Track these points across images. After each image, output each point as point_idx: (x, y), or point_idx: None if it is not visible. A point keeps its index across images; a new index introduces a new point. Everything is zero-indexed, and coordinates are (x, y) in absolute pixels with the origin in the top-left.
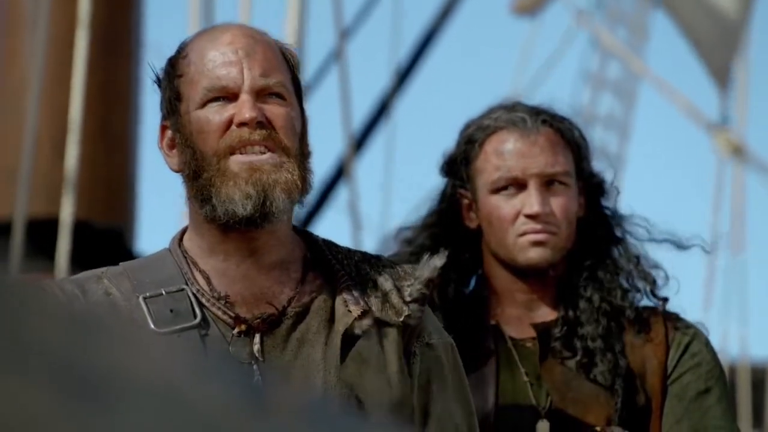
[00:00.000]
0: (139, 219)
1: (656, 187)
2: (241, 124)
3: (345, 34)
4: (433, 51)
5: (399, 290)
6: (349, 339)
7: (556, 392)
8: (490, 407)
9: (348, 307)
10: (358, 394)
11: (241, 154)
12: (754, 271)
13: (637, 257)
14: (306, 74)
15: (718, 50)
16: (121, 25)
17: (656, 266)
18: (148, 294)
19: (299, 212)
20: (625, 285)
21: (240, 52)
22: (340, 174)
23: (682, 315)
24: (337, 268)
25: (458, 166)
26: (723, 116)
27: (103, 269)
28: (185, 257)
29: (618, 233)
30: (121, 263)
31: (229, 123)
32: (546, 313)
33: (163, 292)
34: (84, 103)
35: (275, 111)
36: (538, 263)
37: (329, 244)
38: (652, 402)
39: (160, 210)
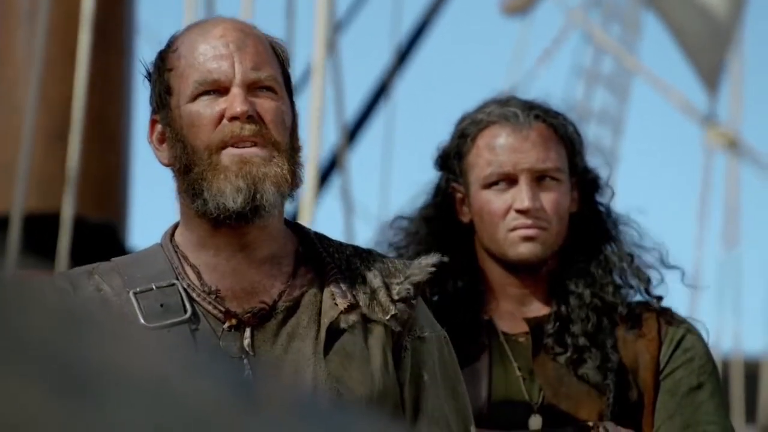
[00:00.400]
0: (132, 214)
1: (650, 181)
2: (233, 118)
3: (338, 25)
4: (429, 40)
5: (388, 288)
6: (335, 332)
7: (548, 387)
8: (483, 402)
9: (335, 300)
10: (340, 388)
11: (232, 147)
12: (747, 265)
13: (631, 255)
14: (299, 66)
15: (707, 52)
16: (115, 20)
17: (650, 266)
18: (138, 289)
19: (291, 204)
20: (618, 281)
21: (231, 46)
22: (333, 163)
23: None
24: (327, 261)
25: (452, 160)
26: (711, 114)
27: (94, 265)
28: (176, 252)
29: (611, 230)
30: (112, 259)
31: (221, 117)
32: (539, 308)
33: (154, 287)
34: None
35: (266, 105)
36: (528, 258)
37: (321, 238)
38: (645, 397)
39: (154, 206)
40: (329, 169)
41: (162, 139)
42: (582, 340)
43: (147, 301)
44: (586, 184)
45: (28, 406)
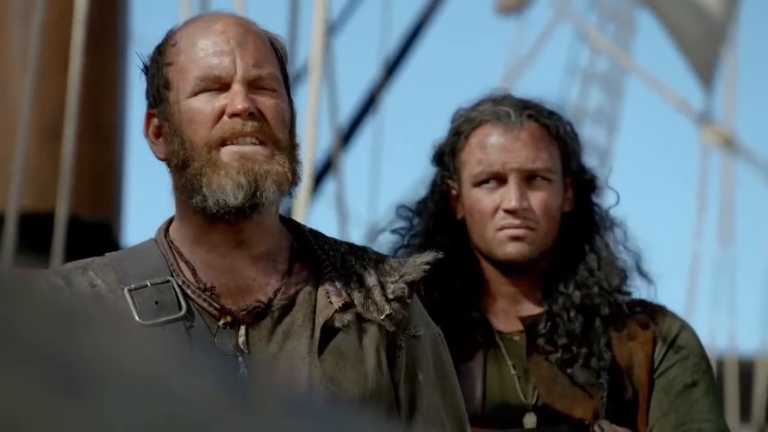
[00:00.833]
0: (126, 212)
1: (645, 179)
2: (233, 115)
3: (331, 29)
4: (421, 44)
5: (382, 287)
6: (329, 331)
7: (543, 386)
8: (478, 401)
9: (330, 299)
10: (335, 388)
11: (232, 144)
12: (743, 263)
13: (614, 257)
14: (295, 67)
15: (703, 49)
16: (108, 18)
17: (625, 270)
18: (133, 286)
19: (287, 202)
20: (603, 283)
21: (232, 42)
22: (327, 167)
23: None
24: (322, 258)
25: (446, 157)
26: (707, 111)
27: (88, 260)
28: (171, 248)
29: (603, 231)
30: (106, 254)
31: (221, 113)
32: (532, 307)
33: (148, 284)
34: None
35: (267, 103)
36: (515, 258)
37: (316, 234)
38: (640, 395)
39: (148, 204)
40: (322, 172)
41: (158, 134)
42: (568, 340)
43: (142, 298)
44: (582, 184)
45: (24, 403)
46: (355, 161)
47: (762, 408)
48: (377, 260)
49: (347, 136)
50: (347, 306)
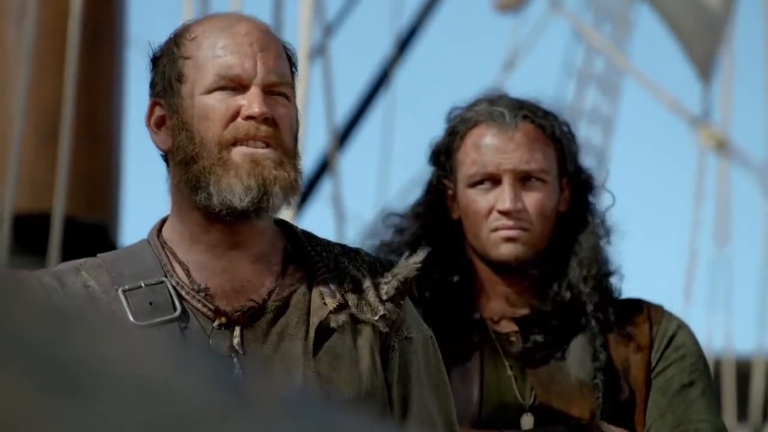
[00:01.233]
0: (123, 214)
1: (640, 181)
2: (249, 117)
3: (329, 29)
4: (418, 43)
5: (376, 287)
6: (324, 332)
7: (540, 386)
8: (475, 401)
9: (324, 300)
10: (329, 388)
11: (243, 146)
12: (739, 264)
13: (603, 257)
14: None
15: (702, 41)
16: (104, 19)
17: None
18: (127, 287)
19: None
20: (595, 283)
21: (255, 46)
22: (324, 167)
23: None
24: (316, 260)
25: (442, 157)
26: (705, 109)
27: (81, 261)
28: (164, 248)
29: (596, 232)
30: (99, 255)
31: (236, 114)
32: (528, 307)
33: (143, 285)
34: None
35: (281, 111)
36: (508, 259)
37: (309, 236)
38: (637, 395)
39: (145, 205)
40: (319, 172)
41: (160, 124)
42: (562, 341)
43: (136, 298)
44: (578, 185)
45: (18, 404)
46: (351, 161)
47: (759, 408)
48: (370, 262)
49: (344, 136)
50: (341, 307)
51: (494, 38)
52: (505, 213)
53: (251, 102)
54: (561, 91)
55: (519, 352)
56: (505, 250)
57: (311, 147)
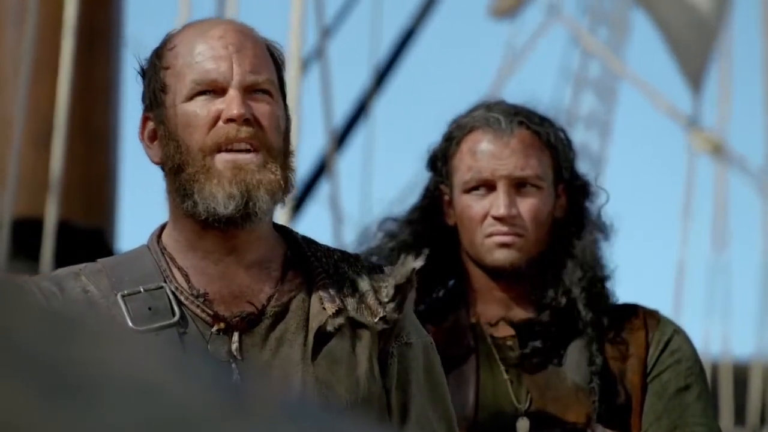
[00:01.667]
0: (120, 218)
1: (637, 184)
2: (229, 120)
3: (326, 31)
4: (413, 48)
5: (376, 291)
6: (323, 337)
7: (535, 390)
8: (471, 405)
9: (323, 305)
10: (328, 393)
11: (226, 152)
12: (736, 269)
13: (598, 262)
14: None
15: (693, 52)
16: (101, 22)
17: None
18: (126, 292)
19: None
20: (591, 288)
21: (230, 47)
22: (321, 169)
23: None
24: (315, 266)
25: (439, 162)
26: (695, 117)
27: (81, 266)
28: (163, 254)
29: (592, 236)
30: (98, 260)
31: (216, 118)
32: (524, 312)
33: (142, 290)
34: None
35: (262, 109)
36: (503, 265)
37: (309, 242)
38: (633, 399)
39: (142, 210)
40: (317, 174)
41: (153, 137)
42: (558, 345)
43: (135, 303)
44: (574, 191)
45: (17, 408)
46: (347, 164)
47: (756, 412)
48: (370, 267)
49: (342, 137)
50: (340, 311)
51: (491, 44)
52: (499, 219)
53: (229, 104)
54: (558, 95)
55: (516, 357)
56: (500, 256)
57: (309, 149)
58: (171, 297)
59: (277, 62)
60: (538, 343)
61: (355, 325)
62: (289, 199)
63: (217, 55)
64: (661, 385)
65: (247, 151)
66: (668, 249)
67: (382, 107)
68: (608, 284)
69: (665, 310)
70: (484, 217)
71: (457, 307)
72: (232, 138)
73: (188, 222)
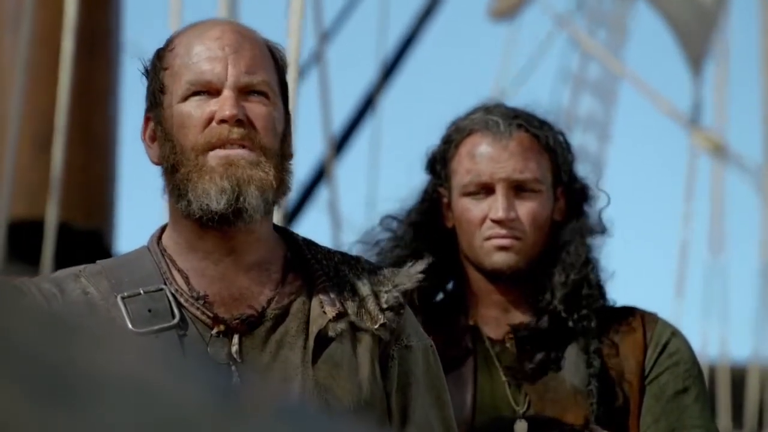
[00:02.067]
0: (118, 221)
1: (636, 186)
2: (221, 121)
3: (325, 36)
4: (416, 51)
5: (376, 296)
6: (323, 340)
7: (533, 393)
8: (469, 408)
9: (323, 308)
10: (328, 397)
11: (218, 149)
12: (733, 271)
13: (586, 264)
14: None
15: (695, 35)
16: (100, 26)
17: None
18: (126, 294)
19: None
20: (588, 290)
21: (227, 48)
22: (321, 174)
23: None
24: (316, 268)
25: (438, 165)
26: (696, 105)
27: (81, 267)
28: (163, 256)
29: (591, 239)
30: (98, 261)
31: (210, 119)
32: (523, 315)
33: (142, 292)
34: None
35: (257, 110)
36: (501, 268)
37: (309, 244)
38: (631, 402)
39: (141, 212)
40: (316, 179)
41: (153, 137)
42: (556, 348)
43: (135, 305)
44: (573, 194)
45: (15, 411)
46: (349, 169)
47: (754, 415)
48: (370, 270)
49: (341, 143)
50: (341, 315)
51: (490, 45)
52: (498, 222)
53: (222, 105)
54: (556, 97)
55: (514, 360)
56: (498, 259)
57: (308, 154)
58: (171, 299)
59: (278, 64)
60: (535, 346)
61: (355, 328)
62: (285, 201)
63: (213, 56)
64: (659, 388)
65: (242, 147)
66: (666, 251)
67: (382, 107)
68: (602, 286)
69: (663, 312)
70: (483, 220)
71: (456, 310)
72: (224, 139)
73: (186, 223)
